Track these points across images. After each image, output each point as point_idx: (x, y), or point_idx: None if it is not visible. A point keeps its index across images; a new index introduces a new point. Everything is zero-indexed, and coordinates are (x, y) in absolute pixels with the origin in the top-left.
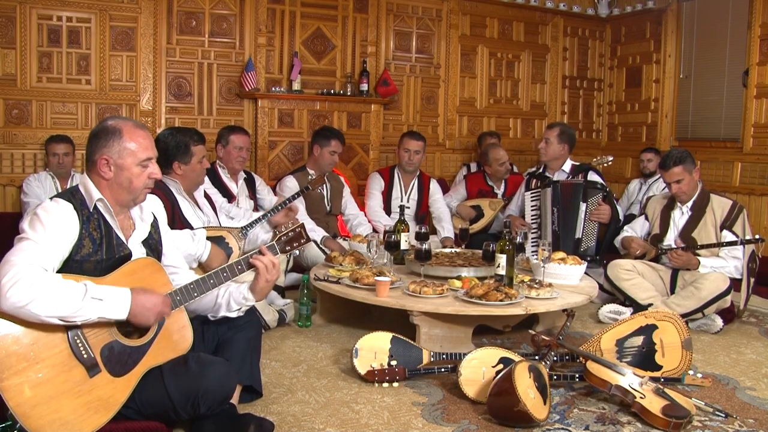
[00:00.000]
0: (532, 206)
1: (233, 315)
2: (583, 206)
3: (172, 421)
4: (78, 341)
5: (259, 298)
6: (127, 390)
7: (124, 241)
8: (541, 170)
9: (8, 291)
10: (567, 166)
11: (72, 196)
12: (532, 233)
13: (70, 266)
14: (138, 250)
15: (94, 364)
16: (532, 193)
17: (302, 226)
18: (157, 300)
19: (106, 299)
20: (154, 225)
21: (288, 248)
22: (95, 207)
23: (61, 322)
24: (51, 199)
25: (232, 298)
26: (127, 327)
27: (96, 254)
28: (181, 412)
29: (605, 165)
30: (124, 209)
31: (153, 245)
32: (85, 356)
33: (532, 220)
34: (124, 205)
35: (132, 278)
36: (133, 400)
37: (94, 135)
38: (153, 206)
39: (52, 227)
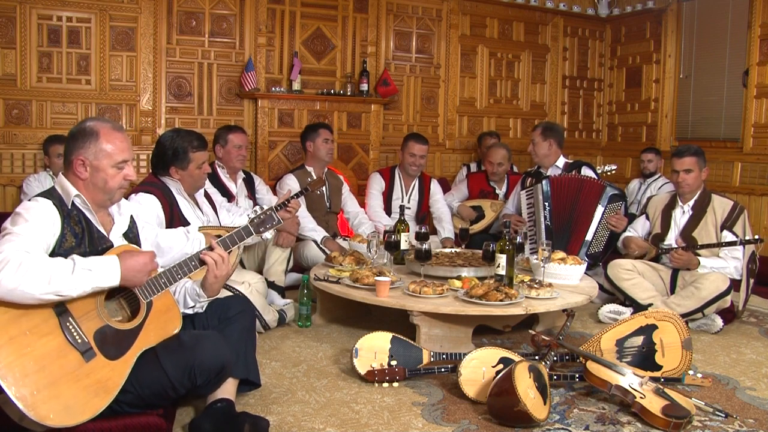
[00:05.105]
0: (527, 203)
1: (189, 312)
2: (600, 209)
3: (173, 401)
4: (70, 327)
5: (210, 295)
6: (124, 372)
7: (105, 235)
8: (536, 168)
9: None
10: (560, 162)
11: (50, 195)
12: (529, 230)
13: None
14: (119, 242)
15: (88, 349)
16: (527, 191)
17: (272, 208)
18: (144, 258)
19: (95, 269)
20: (132, 221)
21: (261, 229)
22: (73, 203)
23: (58, 298)
24: (29, 200)
25: (187, 295)
26: (118, 311)
27: (79, 247)
28: (178, 387)
29: (609, 173)
30: (102, 207)
31: (132, 238)
32: (78, 341)
33: (528, 218)
34: (100, 204)
35: None
36: (131, 384)
37: (72, 135)
38: (130, 208)
39: (34, 220)
